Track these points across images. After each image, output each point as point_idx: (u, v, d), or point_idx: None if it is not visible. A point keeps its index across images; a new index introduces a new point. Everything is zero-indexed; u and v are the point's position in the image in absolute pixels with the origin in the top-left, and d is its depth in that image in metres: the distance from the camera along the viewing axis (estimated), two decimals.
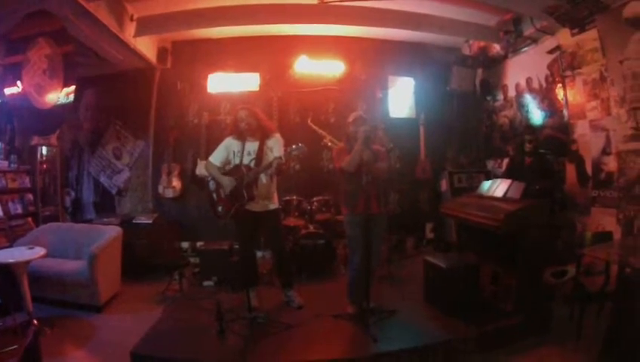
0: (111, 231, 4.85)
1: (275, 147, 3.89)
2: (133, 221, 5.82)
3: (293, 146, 3.65)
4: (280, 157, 3.65)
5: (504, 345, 3.41)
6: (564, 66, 4.99)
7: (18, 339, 3.41)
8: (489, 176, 5.93)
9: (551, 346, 3.38)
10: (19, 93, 4.43)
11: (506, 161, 5.71)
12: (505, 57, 6.09)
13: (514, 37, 5.58)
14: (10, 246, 4.77)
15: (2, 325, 3.68)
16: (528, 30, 5.33)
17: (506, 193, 3.99)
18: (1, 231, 5.14)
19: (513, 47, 5.79)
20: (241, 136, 3.99)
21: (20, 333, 3.50)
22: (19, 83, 4.38)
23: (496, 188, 4.16)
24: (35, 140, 6.33)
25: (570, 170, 4.98)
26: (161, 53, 6.31)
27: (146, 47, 5.89)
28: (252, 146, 3.95)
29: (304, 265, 5.05)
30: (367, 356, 3.22)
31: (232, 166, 3.98)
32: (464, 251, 4.47)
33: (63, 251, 4.79)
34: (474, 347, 3.37)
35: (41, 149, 6.51)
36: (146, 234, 5.62)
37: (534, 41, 5.47)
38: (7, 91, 4.54)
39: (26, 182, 6.20)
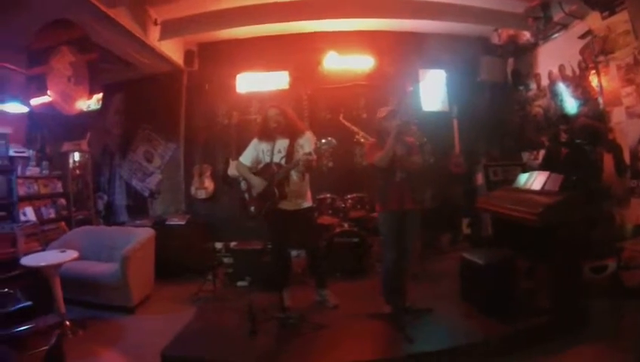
0: (143, 233, 4.91)
1: (306, 144, 3.84)
2: (166, 223, 5.87)
3: (323, 141, 3.59)
4: (309, 153, 3.57)
5: (540, 343, 3.28)
6: (596, 51, 4.80)
7: (48, 341, 3.47)
8: (525, 168, 5.73)
9: (588, 344, 3.22)
10: (45, 102, 4.49)
11: (541, 152, 5.55)
12: (535, 45, 5.89)
13: (543, 23, 5.38)
14: (43, 249, 4.88)
15: (34, 326, 3.75)
16: (557, 15, 5.13)
17: (543, 186, 3.86)
18: (33, 236, 5.25)
19: (543, 34, 5.59)
20: (270, 137, 3.96)
21: (51, 335, 3.56)
22: (51, 92, 4.43)
23: (534, 180, 4.04)
24: (65, 147, 6.47)
25: (608, 160, 4.77)
26: (188, 55, 6.36)
27: (172, 50, 5.93)
28: (282, 144, 3.90)
29: (338, 263, 4.98)
30: (402, 357, 3.14)
31: (262, 165, 3.96)
32: (500, 247, 4.35)
33: (95, 254, 4.87)
34: (509, 346, 3.26)
35: (73, 155, 6.65)
36: (178, 236, 5.65)
37: (564, 26, 5.27)
38: (34, 101, 4.61)
39: (58, 187, 6.34)
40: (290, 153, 3.84)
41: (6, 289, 3.94)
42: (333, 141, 3.60)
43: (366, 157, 3.94)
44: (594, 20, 4.74)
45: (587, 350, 3.16)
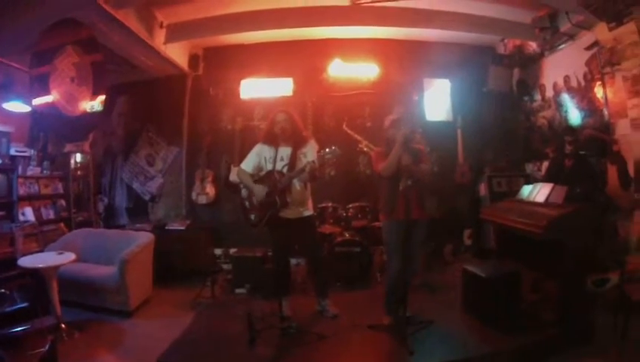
0: (143, 238, 4.87)
1: (309, 152, 3.79)
2: (166, 227, 5.86)
3: (327, 150, 3.53)
4: (313, 162, 3.51)
5: (544, 357, 3.26)
6: (602, 63, 4.76)
7: (45, 342, 3.44)
8: (528, 179, 5.72)
9: (593, 358, 3.20)
10: (48, 102, 4.47)
11: (545, 163, 5.50)
12: (541, 55, 5.86)
13: (550, 33, 5.34)
14: (41, 251, 4.86)
15: (30, 328, 3.71)
16: (565, 26, 5.09)
17: (547, 198, 3.83)
18: (32, 236, 5.22)
19: (550, 45, 5.56)
20: (274, 142, 3.92)
21: (47, 336, 3.52)
22: (54, 92, 4.41)
23: (538, 192, 4.01)
24: (67, 147, 6.44)
25: (612, 172, 4.73)
26: (193, 59, 6.33)
27: (177, 53, 5.91)
28: (285, 152, 3.86)
29: (339, 273, 4.92)
30: None
31: (264, 172, 3.91)
32: (503, 258, 4.32)
33: (94, 256, 4.84)
34: (512, 360, 3.23)
35: (75, 156, 6.64)
36: (178, 241, 5.62)
37: (571, 37, 5.23)
38: (37, 101, 4.59)
39: (59, 188, 6.33)
40: (293, 161, 3.79)
41: (2, 290, 3.93)
42: (338, 150, 3.54)
43: (372, 165, 3.91)
44: (601, 31, 4.69)
45: None
